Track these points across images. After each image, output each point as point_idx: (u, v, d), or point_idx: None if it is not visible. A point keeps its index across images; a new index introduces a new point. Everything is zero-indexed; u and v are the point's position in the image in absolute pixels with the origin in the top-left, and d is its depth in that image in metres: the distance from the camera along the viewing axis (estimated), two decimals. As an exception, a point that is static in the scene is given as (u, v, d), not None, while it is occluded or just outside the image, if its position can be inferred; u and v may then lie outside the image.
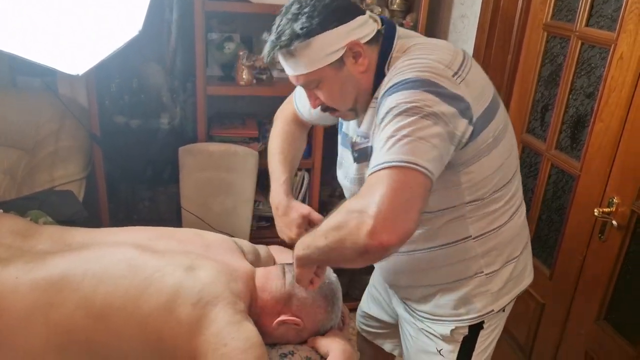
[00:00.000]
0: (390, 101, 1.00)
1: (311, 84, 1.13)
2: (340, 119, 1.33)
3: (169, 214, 2.32)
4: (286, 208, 1.33)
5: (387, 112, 0.99)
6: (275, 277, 1.26)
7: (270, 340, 1.23)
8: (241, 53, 2.11)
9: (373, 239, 0.88)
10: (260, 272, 1.28)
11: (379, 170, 0.93)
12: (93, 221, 1.98)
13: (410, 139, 0.94)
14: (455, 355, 1.33)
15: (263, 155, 2.25)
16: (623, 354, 1.57)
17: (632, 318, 1.56)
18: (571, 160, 1.78)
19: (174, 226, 1.42)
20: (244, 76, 2.13)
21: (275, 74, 2.30)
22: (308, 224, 1.30)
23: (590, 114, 1.67)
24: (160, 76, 2.15)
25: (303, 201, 2.38)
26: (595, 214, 1.60)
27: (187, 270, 1.12)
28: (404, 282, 1.34)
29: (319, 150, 2.27)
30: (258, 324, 1.19)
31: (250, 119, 2.42)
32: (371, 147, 1.11)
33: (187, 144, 2.15)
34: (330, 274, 1.30)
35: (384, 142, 0.96)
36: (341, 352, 1.21)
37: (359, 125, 1.20)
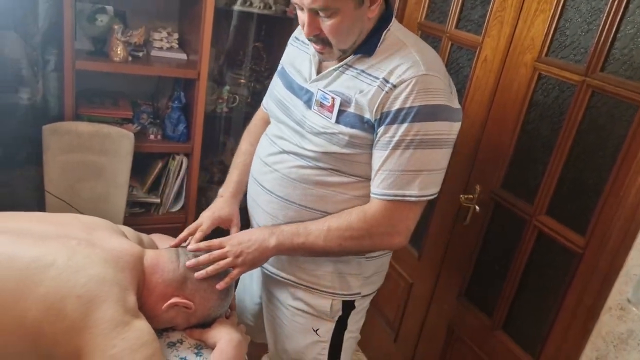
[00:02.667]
0: None
1: (327, 10, 1.11)
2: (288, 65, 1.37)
3: (28, 200, 2.09)
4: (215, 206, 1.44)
5: None
6: (167, 260, 1.21)
7: (156, 325, 1.18)
8: (116, 27, 1.96)
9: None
10: (150, 253, 1.22)
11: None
12: None
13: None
14: (330, 334, 1.39)
15: (138, 137, 2.13)
16: (481, 325, 1.76)
17: (488, 293, 1.75)
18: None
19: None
20: (118, 52, 1.98)
21: (153, 52, 2.18)
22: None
23: (457, 110, 1.82)
24: (18, 47, 1.91)
25: (180, 187, 2.29)
26: (461, 199, 1.76)
27: (69, 259, 1.03)
28: None
29: (198, 135, 2.20)
30: (145, 307, 1.14)
31: (123, 98, 2.26)
32: (353, 114, 1.17)
33: (50, 123, 1.96)
34: None
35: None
36: (228, 341, 1.20)
37: (317, 74, 1.25)
